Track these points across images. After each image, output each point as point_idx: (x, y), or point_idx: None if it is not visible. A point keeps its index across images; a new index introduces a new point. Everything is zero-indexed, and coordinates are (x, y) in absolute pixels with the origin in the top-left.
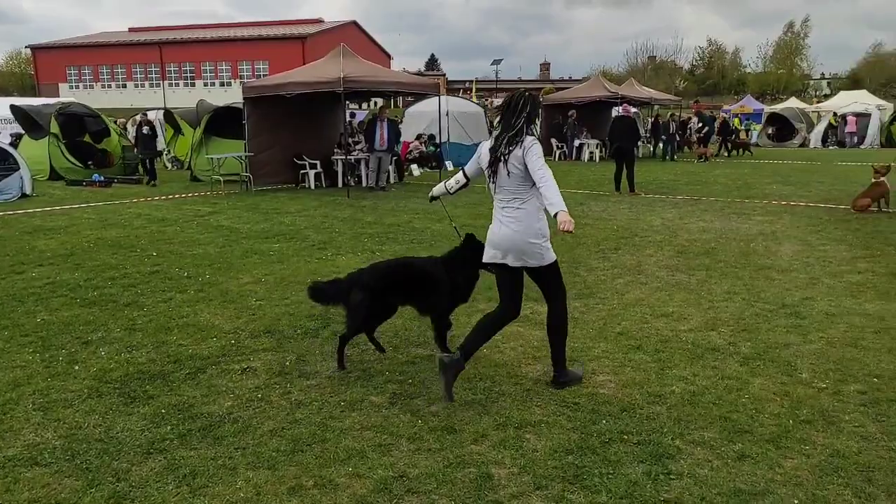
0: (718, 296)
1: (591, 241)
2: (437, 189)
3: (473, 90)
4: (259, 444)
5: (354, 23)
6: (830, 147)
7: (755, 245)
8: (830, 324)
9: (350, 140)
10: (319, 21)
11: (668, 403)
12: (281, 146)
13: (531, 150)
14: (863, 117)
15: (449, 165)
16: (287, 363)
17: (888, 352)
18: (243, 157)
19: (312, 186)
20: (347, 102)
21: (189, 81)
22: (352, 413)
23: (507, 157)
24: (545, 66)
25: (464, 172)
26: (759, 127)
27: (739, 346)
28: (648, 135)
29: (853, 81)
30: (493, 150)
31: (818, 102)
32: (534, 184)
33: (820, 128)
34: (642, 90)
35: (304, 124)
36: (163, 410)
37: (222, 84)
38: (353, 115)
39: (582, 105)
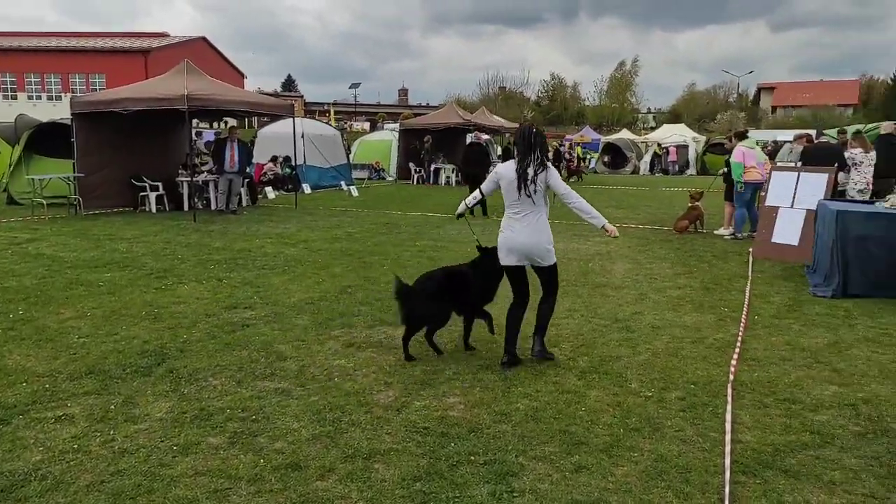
0: (561, 313)
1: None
2: (461, 207)
3: (331, 113)
4: (72, 503)
5: (203, 39)
6: (656, 174)
7: (592, 264)
8: (656, 336)
9: (196, 161)
10: (164, 35)
11: (514, 421)
12: (117, 166)
13: (552, 174)
14: (682, 148)
15: (306, 188)
16: (112, 407)
17: (703, 360)
18: (71, 178)
19: (154, 210)
20: (196, 121)
21: (10, 94)
22: (185, 458)
23: (535, 179)
24: (403, 92)
25: (481, 191)
26: (596, 155)
27: (578, 361)
28: (500, 160)
29: (673, 116)
30: (519, 173)
31: (646, 134)
32: (545, 201)
33: (647, 157)
34: (493, 118)
35: (144, 143)
36: None
37: (51, 98)
38: (198, 135)
39: (438, 131)
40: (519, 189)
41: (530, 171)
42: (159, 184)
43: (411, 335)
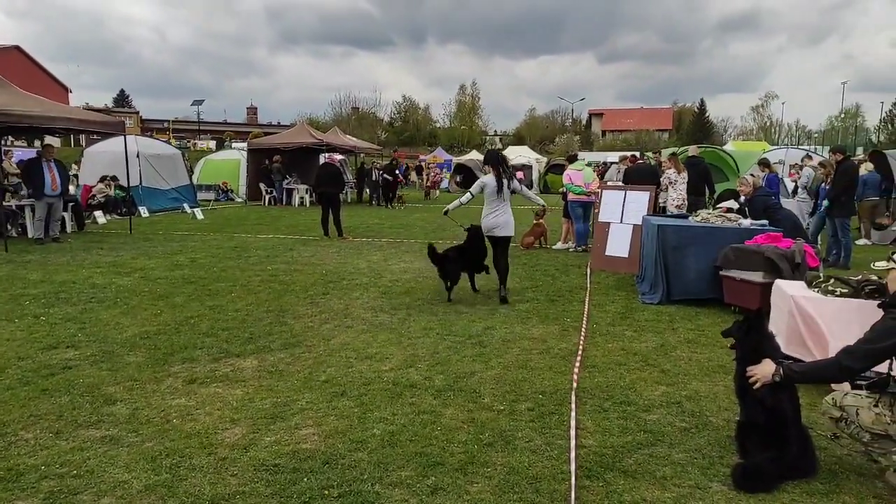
0: (417, 332)
1: (300, 287)
2: (454, 205)
3: (170, 131)
4: None
5: (17, 48)
6: None
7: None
8: (507, 349)
9: (5, 183)
10: None
11: (370, 448)
12: None
13: (516, 181)
14: (526, 168)
15: (144, 211)
16: None
17: (549, 369)
18: None
19: None
20: (10, 140)
21: None
22: None
23: (509, 184)
24: (252, 110)
25: (471, 193)
26: (449, 175)
27: (434, 380)
28: (355, 181)
29: (518, 138)
30: (499, 181)
31: None
32: (510, 197)
33: None
34: (346, 139)
35: None
36: None
37: None
38: (6, 154)
39: (289, 150)
40: (499, 191)
41: (505, 180)
42: None
43: (452, 284)
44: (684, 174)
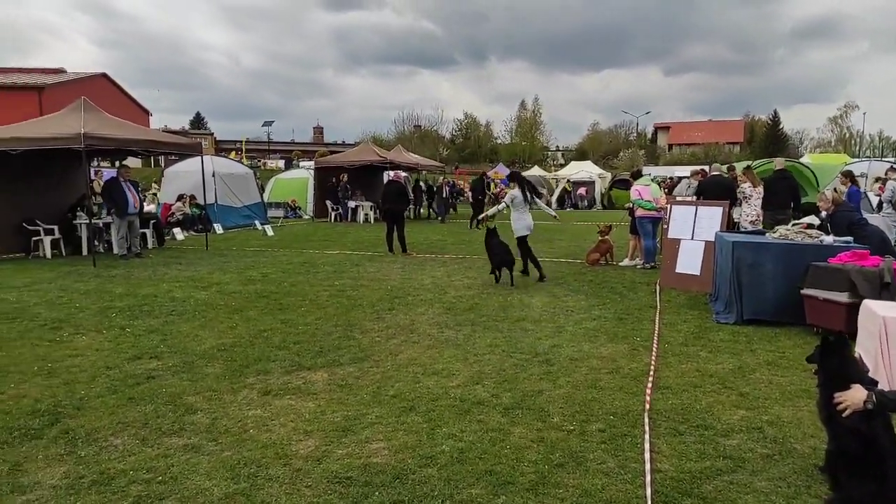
0: (482, 349)
1: (366, 303)
2: (492, 211)
3: (243, 151)
4: None
5: (104, 75)
6: (567, 209)
7: (512, 298)
8: (574, 368)
9: (96, 202)
10: (61, 71)
11: (439, 464)
12: (7, 209)
13: (536, 197)
14: (588, 184)
15: (218, 228)
16: None
17: (620, 390)
18: None
19: (48, 255)
20: (95, 161)
21: None
22: None
23: (533, 198)
24: (318, 130)
25: (506, 203)
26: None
27: (501, 397)
28: (427, 198)
29: (580, 153)
30: (524, 194)
31: (555, 171)
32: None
33: (557, 192)
34: (409, 156)
35: (37, 185)
36: None
37: None
38: (97, 174)
39: (354, 168)
40: (525, 202)
41: (528, 193)
42: (55, 227)
43: (507, 269)
44: (759, 189)
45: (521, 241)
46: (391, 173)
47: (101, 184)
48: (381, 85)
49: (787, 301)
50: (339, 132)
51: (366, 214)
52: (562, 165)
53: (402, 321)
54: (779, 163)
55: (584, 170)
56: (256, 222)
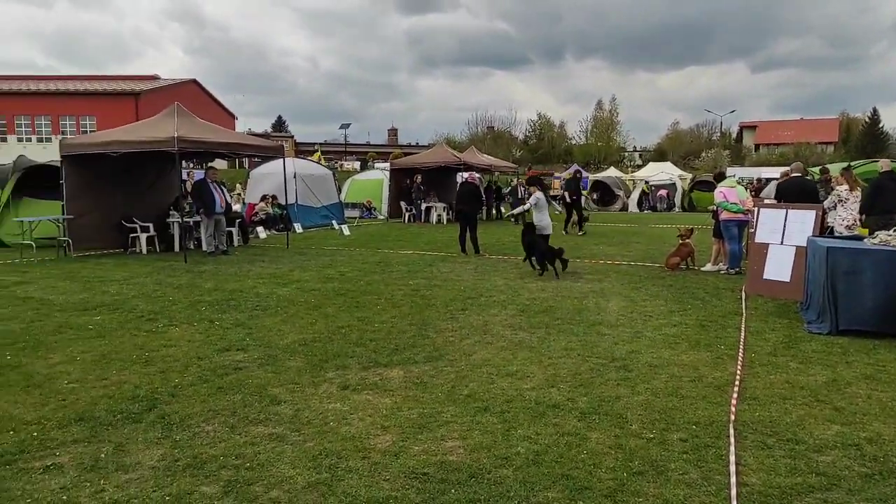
0: (557, 352)
1: (440, 302)
2: (518, 210)
3: (319, 153)
4: None
5: (194, 81)
6: (645, 211)
7: (587, 302)
8: (654, 375)
9: (186, 201)
10: (155, 77)
11: (515, 465)
12: (107, 208)
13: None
14: (669, 186)
15: (298, 227)
16: (102, 455)
17: (703, 399)
18: (61, 220)
19: (144, 251)
20: (186, 163)
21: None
22: None
23: (549, 199)
24: (393, 132)
25: (531, 204)
26: (585, 192)
27: (577, 402)
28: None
29: (659, 154)
30: (547, 197)
31: (633, 172)
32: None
33: (635, 194)
34: (482, 157)
35: (134, 185)
36: None
37: (41, 140)
38: (188, 176)
39: (428, 170)
40: (548, 202)
41: (547, 196)
42: (150, 225)
43: (552, 262)
44: (857, 192)
45: (545, 238)
46: (465, 174)
47: (186, 183)
48: (454, 87)
49: (888, 311)
50: (412, 134)
51: (438, 215)
52: (639, 166)
53: (476, 322)
54: (884, 164)
55: (663, 171)
56: (334, 222)
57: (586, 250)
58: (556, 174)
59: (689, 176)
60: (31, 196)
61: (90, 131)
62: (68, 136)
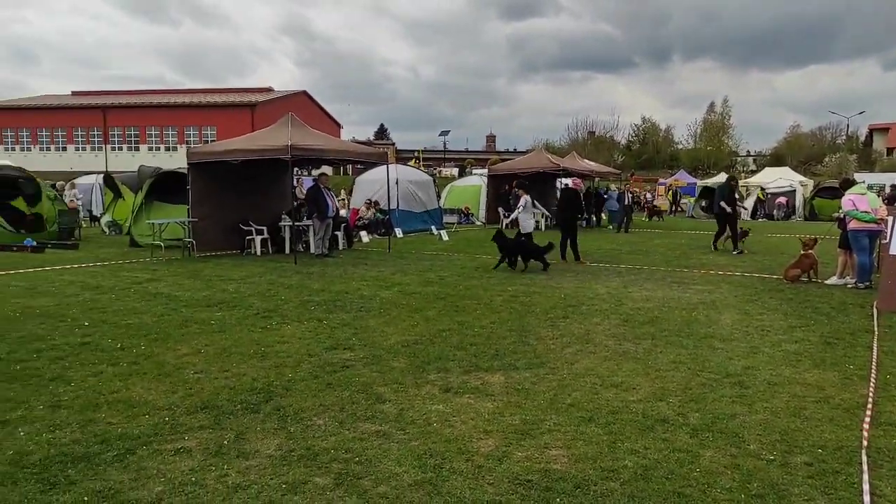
0: (665, 365)
1: (540, 310)
2: (514, 215)
3: (420, 159)
4: None
5: (304, 92)
6: (760, 219)
7: (696, 314)
8: (773, 394)
9: (297, 206)
10: (269, 90)
11: (622, 479)
12: (226, 212)
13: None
14: (788, 193)
15: (399, 232)
16: (225, 442)
17: (829, 422)
18: (186, 223)
19: (258, 253)
20: (296, 169)
21: (133, 145)
22: (294, 496)
23: (535, 203)
24: (491, 138)
25: (522, 207)
26: (692, 199)
27: (688, 417)
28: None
29: (776, 159)
30: (533, 202)
31: (746, 178)
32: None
33: (750, 202)
34: (583, 163)
35: (250, 190)
36: (85, 498)
37: (168, 149)
38: (298, 182)
39: (526, 175)
40: (534, 206)
41: (537, 203)
42: (264, 228)
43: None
44: None
45: (528, 236)
46: (568, 181)
47: (303, 191)
48: (554, 91)
49: None
50: (510, 140)
51: (536, 221)
52: (753, 172)
53: (577, 330)
54: None
55: (781, 177)
56: (433, 227)
57: (695, 260)
58: (661, 180)
59: (811, 182)
60: (160, 200)
61: (211, 140)
62: (193, 145)
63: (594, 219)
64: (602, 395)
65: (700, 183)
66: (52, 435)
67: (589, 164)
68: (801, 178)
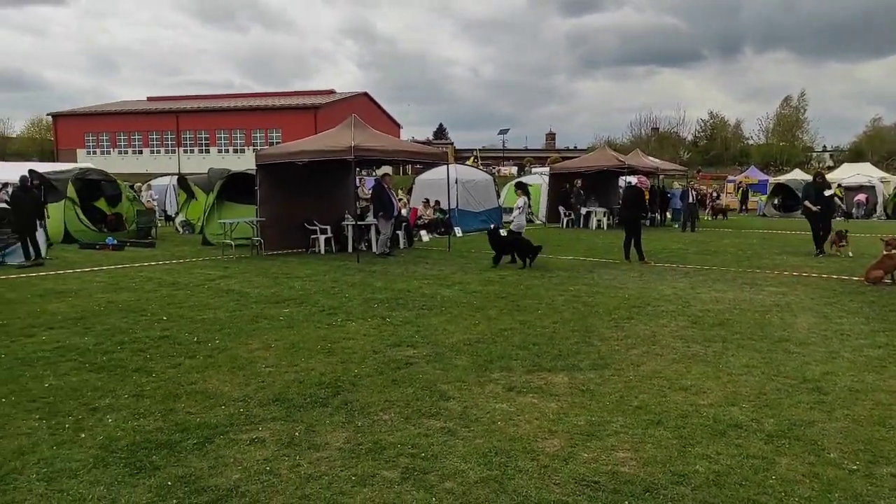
0: (737, 369)
1: (603, 310)
2: (515, 215)
3: (478, 158)
4: None
5: (366, 94)
6: (837, 218)
7: (770, 316)
8: (855, 400)
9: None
10: (331, 92)
11: (693, 484)
12: (291, 211)
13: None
14: (867, 189)
15: (458, 231)
16: (296, 434)
17: None
18: (255, 222)
19: (322, 251)
20: (358, 169)
21: (203, 148)
22: (363, 489)
23: (530, 204)
24: (550, 136)
25: (520, 208)
26: (764, 197)
27: (763, 423)
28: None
29: (855, 154)
30: (529, 203)
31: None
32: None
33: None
34: (648, 160)
35: (314, 191)
36: (169, 482)
37: (236, 151)
38: (361, 182)
39: (589, 174)
40: (528, 207)
41: (528, 203)
42: (328, 227)
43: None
44: None
45: (519, 235)
46: (632, 178)
47: (366, 190)
48: (616, 87)
49: None
50: (570, 138)
51: (598, 220)
52: (830, 168)
53: (643, 332)
54: None
55: (859, 172)
56: (491, 226)
57: (767, 260)
58: (730, 177)
59: (894, 179)
60: (230, 200)
61: (276, 143)
62: (262, 147)
63: (659, 217)
64: (670, 398)
65: (772, 180)
66: (136, 422)
67: (654, 162)
68: (883, 174)
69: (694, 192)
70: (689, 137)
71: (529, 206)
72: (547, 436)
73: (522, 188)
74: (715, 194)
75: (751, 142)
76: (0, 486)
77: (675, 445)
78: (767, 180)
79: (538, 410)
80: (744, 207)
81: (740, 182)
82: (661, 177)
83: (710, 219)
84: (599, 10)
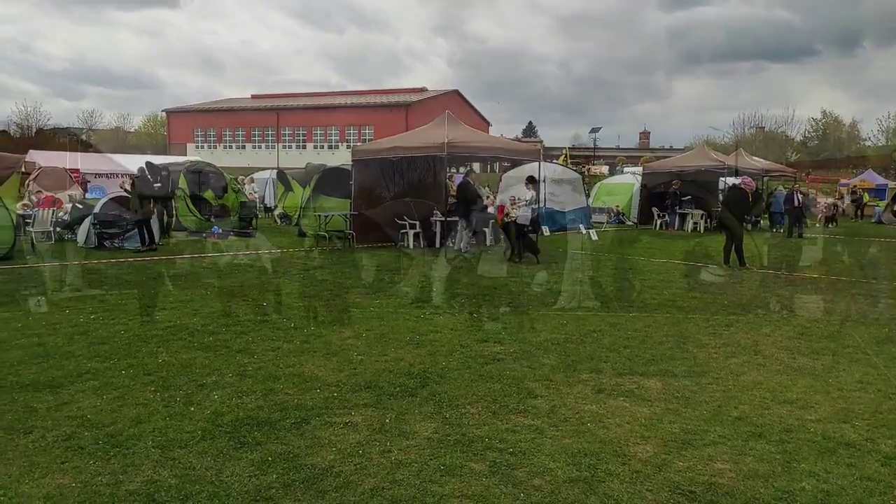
0: (849, 384)
1: (699, 316)
2: (521, 212)
3: (568, 157)
4: (359, 503)
5: (456, 91)
6: None
7: (889, 331)
8: None
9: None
10: (423, 90)
11: (799, 502)
12: (383, 206)
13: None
14: None
15: (545, 230)
16: (387, 420)
17: None
18: (348, 216)
19: (410, 245)
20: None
21: (301, 144)
22: (451, 479)
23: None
24: (645, 135)
25: (528, 202)
26: (883, 203)
27: (879, 444)
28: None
29: None
30: (529, 200)
31: None
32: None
33: None
34: (753, 160)
35: (405, 186)
36: (269, 458)
37: (330, 147)
38: (450, 178)
39: (687, 174)
40: (536, 202)
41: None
42: (417, 222)
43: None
44: None
45: (521, 227)
46: (737, 179)
47: (454, 187)
48: (718, 84)
49: None
50: (666, 137)
51: (695, 223)
52: None
53: (744, 340)
54: None
55: None
56: (581, 226)
57: (884, 270)
58: (843, 181)
59: None
60: (325, 194)
61: (369, 139)
62: (357, 144)
63: (760, 221)
64: (774, 411)
65: (892, 185)
66: (240, 400)
67: (760, 162)
68: None
69: (800, 196)
70: (798, 137)
71: (537, 200)
72: (639, 441)
73: (532, 182)
74: (840, 197)
75: (868, 143)
76: (122, 450)
77: (778, 460)
78: (886, 185)
79: (629, 414)
80: (859, 213)
81: (854, 186)
82: (765, 178)
83: (819, 225)
84: (704, 3)
